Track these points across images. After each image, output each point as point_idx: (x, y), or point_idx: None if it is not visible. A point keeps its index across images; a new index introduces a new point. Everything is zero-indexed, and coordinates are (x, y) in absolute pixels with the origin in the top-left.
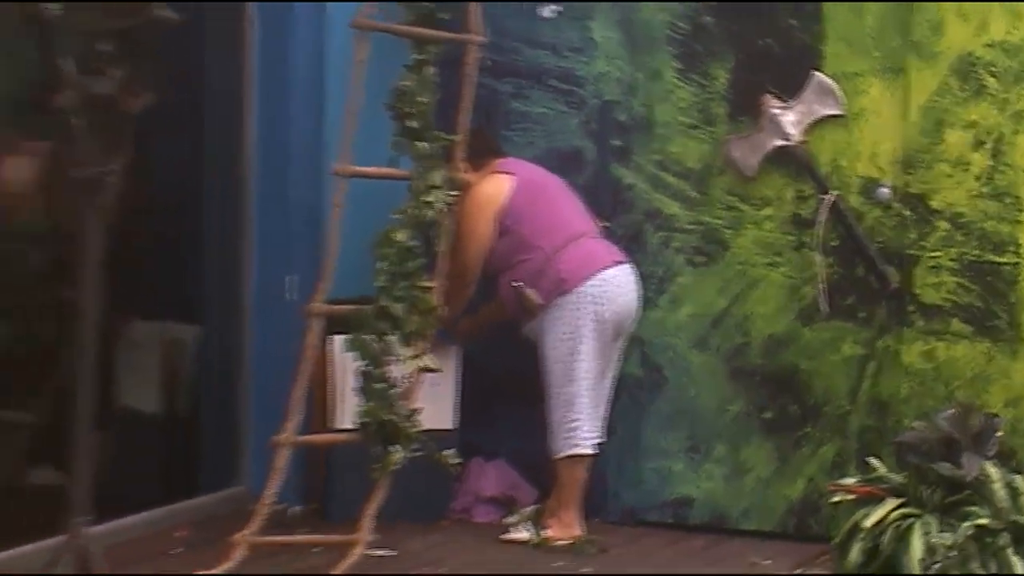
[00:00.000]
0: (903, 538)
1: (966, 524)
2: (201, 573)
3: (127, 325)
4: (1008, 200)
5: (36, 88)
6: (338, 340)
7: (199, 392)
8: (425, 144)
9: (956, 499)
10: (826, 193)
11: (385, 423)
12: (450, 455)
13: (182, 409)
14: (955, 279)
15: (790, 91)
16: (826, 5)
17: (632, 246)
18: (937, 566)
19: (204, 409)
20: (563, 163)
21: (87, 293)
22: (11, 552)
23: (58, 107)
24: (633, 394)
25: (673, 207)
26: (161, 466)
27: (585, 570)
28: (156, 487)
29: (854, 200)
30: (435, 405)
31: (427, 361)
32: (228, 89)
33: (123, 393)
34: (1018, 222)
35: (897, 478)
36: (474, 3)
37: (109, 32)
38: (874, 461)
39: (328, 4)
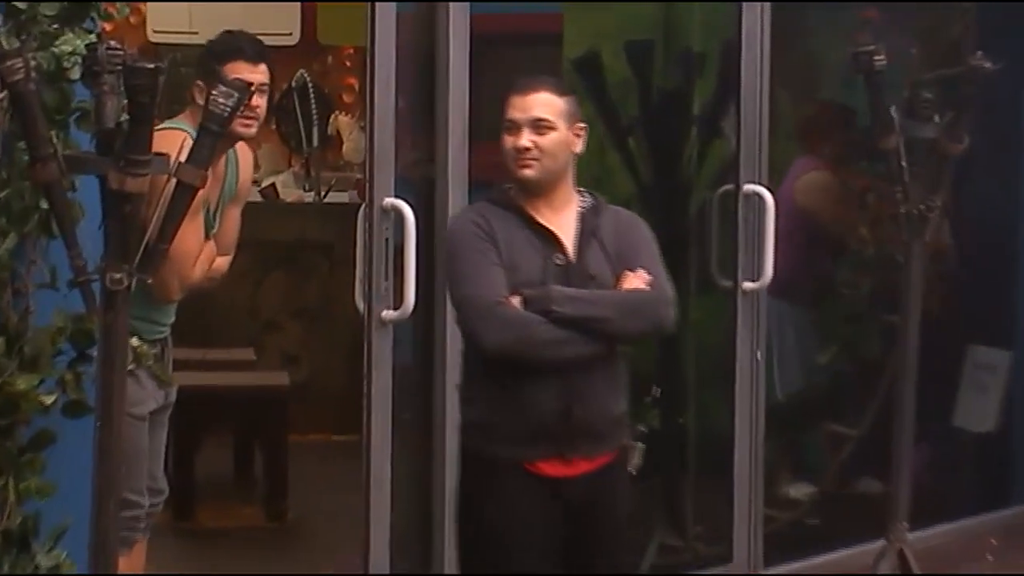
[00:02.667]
0: None
1: None
2: None
3: (942, 348)
4: None
5: (866, 132)
6: None
7: (1011, 411)
8: None
9: None
10: None
11: None
12: None
13: (995, 427)
14: None
15: None
16: None
17: None
18: None
19: (1016, 427)
20: None
21: (909, 317)
22: (838, 553)
23: (885, 150)
24: None
25: None
26: (974, 478)
27: None
28: (969, 497)
29: None
30: None
31: None
32: None
33: (941, 410)
34: None
35: None
36: None
37: (932, 81)
38: None
39: None
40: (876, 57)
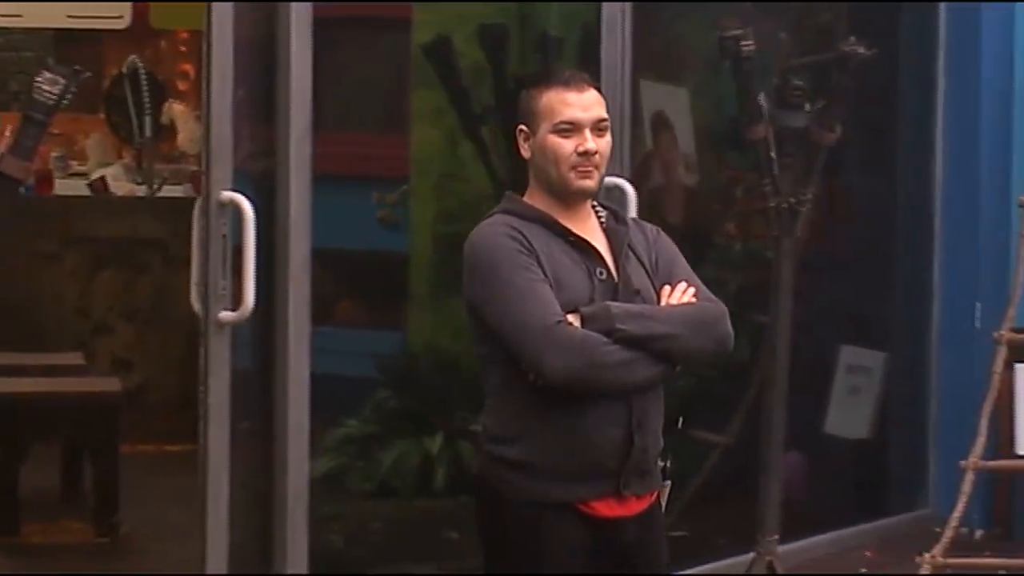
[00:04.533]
0: None
1: None
2: None
3: (814, 350)
4: None
5: (733, 122)
6: (1020, 368)
7: (886, 416)
8: None
9: None
10: None
11: None
12: None
13: (870, 432)
14: None
15: None
16: None
17: None
18: None
19: (892, 433)
20: None
21: (779, 317)
22: (705, 567)
23: (753, 140)
24: None
25: None
26: (848, 488)
27: None
28: (843, 508)
29: None
30: None
31: None
32: (918, 123)
33: (813, 416)
34: None
35: None
36: None
37: (802, 67)
38: None
39: (1016, 45)
40: (744, 42)
